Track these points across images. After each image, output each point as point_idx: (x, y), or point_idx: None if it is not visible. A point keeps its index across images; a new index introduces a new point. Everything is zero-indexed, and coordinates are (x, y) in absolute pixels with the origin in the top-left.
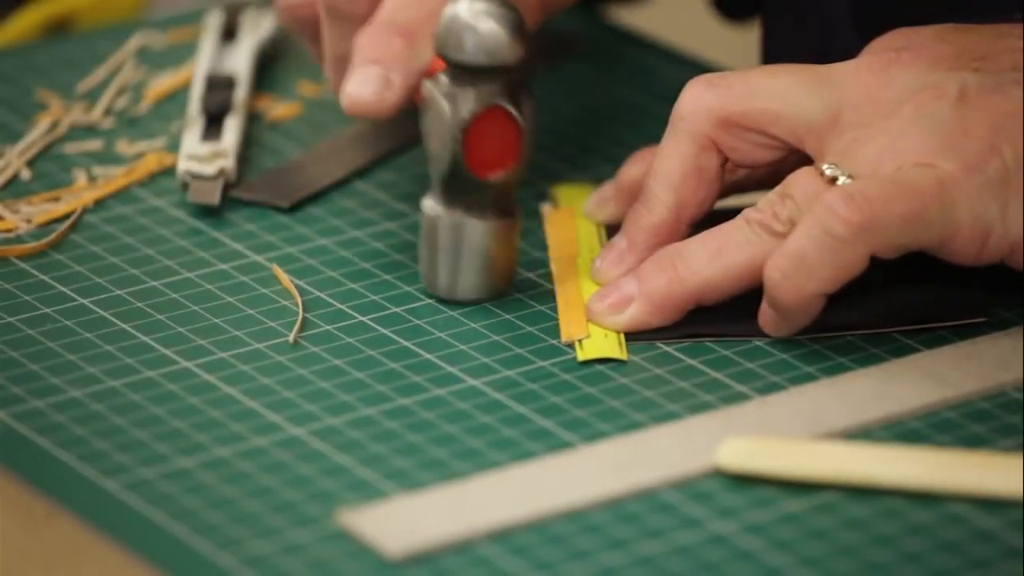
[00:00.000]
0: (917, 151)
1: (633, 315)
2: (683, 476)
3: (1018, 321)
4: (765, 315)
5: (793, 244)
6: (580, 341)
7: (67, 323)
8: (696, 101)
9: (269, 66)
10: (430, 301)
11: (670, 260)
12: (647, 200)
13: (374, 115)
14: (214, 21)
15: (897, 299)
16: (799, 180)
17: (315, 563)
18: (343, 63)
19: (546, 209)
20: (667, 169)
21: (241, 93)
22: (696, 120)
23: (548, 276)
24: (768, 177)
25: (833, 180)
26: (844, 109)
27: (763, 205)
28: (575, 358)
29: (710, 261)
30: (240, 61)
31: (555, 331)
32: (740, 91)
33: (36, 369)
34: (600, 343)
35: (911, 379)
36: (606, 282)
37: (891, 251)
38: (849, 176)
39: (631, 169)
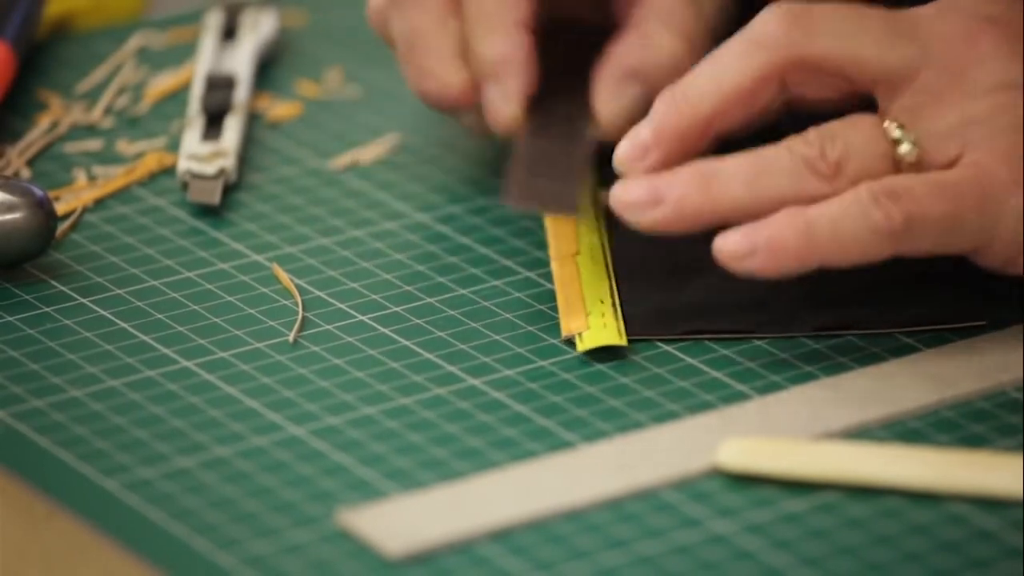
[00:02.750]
0: (985, 145)
1: (657, 219)
2: (683, 476)
3: (1018, 321)
4: (746, 241)
5: (832, 212)
6: (580, 334)
7: (67, 323)
8: (782, 33)
9: (269, 66)
10: (430, 300)
11: (705, 177)
12: (686, 99)
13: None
14: (214, 21)
15: (898, 302)
16: (859, 125)
17: (315, 563)
18: (414, 49)
19: None
20: (723, 79)
21: (241, 93)
22: (774, 51)
23: (548, 276)
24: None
25: (896, 143)
26: (924, 70)
27: (813, 138)
28: (575, 357)
29: (745, 186)
30: (240, 61)
31: (555, 330)
32: (826, 30)
33: (36, 368)
34: (599, 333)
35: (911, 379)
36: (627, 174)
37: (921, 254)
38: (913, 143)
39: (669, 117)
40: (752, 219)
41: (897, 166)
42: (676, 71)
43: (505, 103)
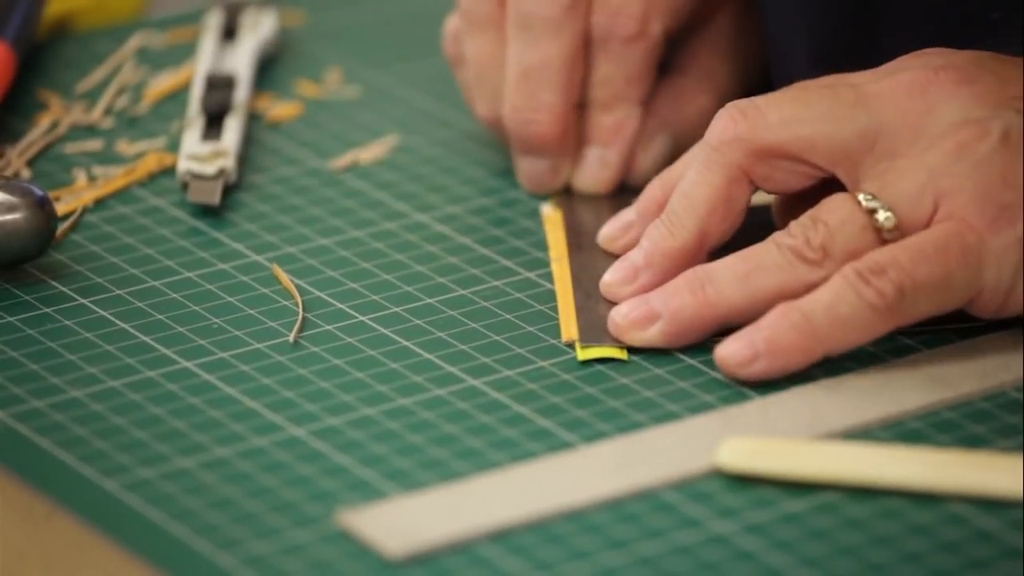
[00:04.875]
0: (956, 196)
1: (657, 334)
2: (683, 476)
3: (1018, 321)
4: (746, 347)
5: (826, 299)
6: (578, 340)
7: (67, 323)
8: (729, 132)
9: (269, 66)
10: (430, 301)
11: (699, 283)
12: (670, 223)
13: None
14: (214, 21)
15: None
16: (834, 206)
17: (315, 563)
18: (530, 77)
19: (546, 209)
20: (695, 196)
21: (241, 93)
22: (729, 151)
23: (548, 276)
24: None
25: (872, 212)
26: (880, 136)
27: (795, 230)
28: (575, 358)
29: (739, 285)
30: (240, 61)
31: (555, 331)
32: (773, 120)
33: (36, 369)
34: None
35: (911, 379)
36: (618, 299)
37: (915, 321)
38: (889, 210)
39: (655, 194)
40: (750, 318)
41: (879, 235)
42: (704, 126)
43: (603, 169)
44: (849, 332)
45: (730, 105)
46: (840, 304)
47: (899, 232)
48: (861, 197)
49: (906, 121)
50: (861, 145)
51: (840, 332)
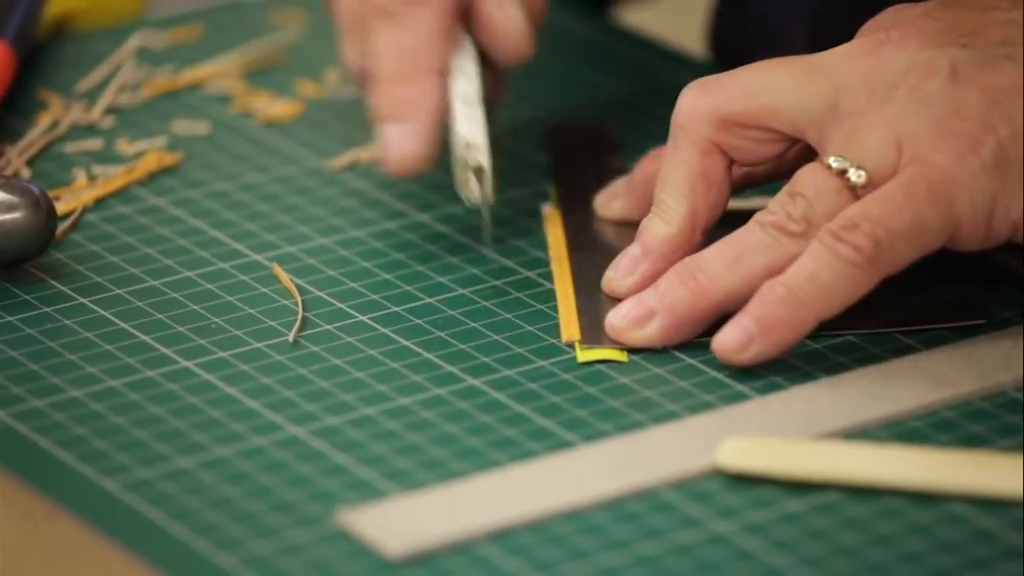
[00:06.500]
0: (916, 137)
1: (656, 329)
2: (683, 476)
3: (1018, 321)
4: (739, 332)
5: (807, 267)
6: (578, 343)
7: (67, 322)
8: (693, 107)
9: (269, 66)
10: (430, 300)
11: (690, 272)
12: (660, 211)
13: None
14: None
15: (897, 302)
16: (807, 177)
17: (315, 563)
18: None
19: (546, 209)
20: (675, 178)
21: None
22: (695, 126)
23: (548, 276)
24: (775, 168)
25: (842, 172)
26: (840, 97)
27: (775, 207)
28: (575, 357)
29: (730, 270)
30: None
31: (555, 331)
32: (735, 91)
33: (36, 368)
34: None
35: (910, 379)
36: (620, 291)
37: (901, 268)
38: (859, 167)
39: (644, 166)
40: (745, 301)
41: (854, 193)
42: None
43: (411, 141)
44: (835, 294)
45: (692, 83)
46: (821, 269)
47: (872, 187)
48: (831, 160)
49: (862, 79)
50: (823, 107)
51: (827, 296)
